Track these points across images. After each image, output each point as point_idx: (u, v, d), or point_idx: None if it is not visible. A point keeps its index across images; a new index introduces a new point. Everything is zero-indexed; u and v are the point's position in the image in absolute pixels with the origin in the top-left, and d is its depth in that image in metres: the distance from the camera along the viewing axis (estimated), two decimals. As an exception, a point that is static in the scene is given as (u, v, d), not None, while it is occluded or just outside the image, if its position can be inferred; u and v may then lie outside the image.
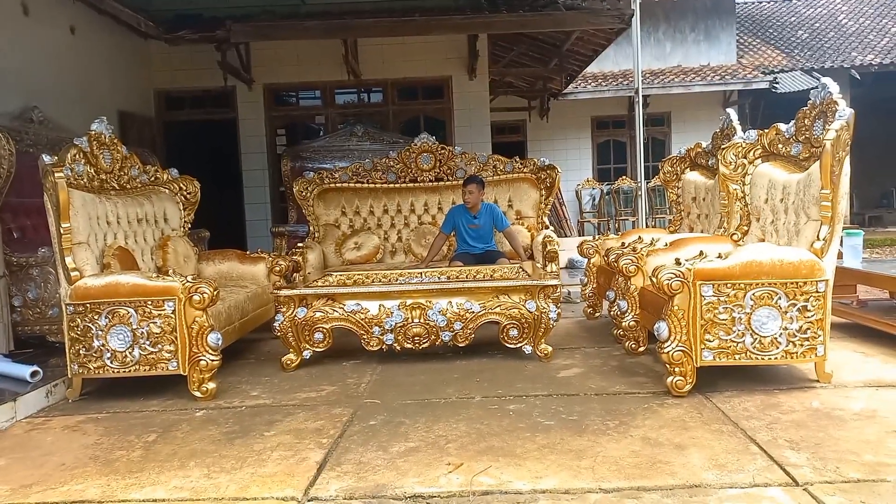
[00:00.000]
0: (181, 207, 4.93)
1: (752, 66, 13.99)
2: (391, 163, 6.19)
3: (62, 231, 3.51)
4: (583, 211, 13.67)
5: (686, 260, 3.20)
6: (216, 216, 7.34)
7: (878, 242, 12.10)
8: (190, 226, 5.02)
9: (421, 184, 6.18)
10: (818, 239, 3.17)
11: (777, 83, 12.82)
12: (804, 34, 15.68)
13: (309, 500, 2.27)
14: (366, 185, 6.19)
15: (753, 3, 16.89)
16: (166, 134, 8.67)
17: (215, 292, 3.48)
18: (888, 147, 16.44)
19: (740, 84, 13.27)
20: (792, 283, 3.08)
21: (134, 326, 3.43)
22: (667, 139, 14.33)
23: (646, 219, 11.06)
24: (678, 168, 5.35)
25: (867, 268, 4.52)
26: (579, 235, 11.70)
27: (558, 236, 8.66)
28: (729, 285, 3.09)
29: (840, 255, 4.47)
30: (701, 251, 3.31)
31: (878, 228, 15.14)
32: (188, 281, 3.47)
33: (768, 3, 17.17)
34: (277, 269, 4.95)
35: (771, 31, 16.12)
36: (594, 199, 13.80)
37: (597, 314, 5.16)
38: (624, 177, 13.70)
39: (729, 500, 2.14)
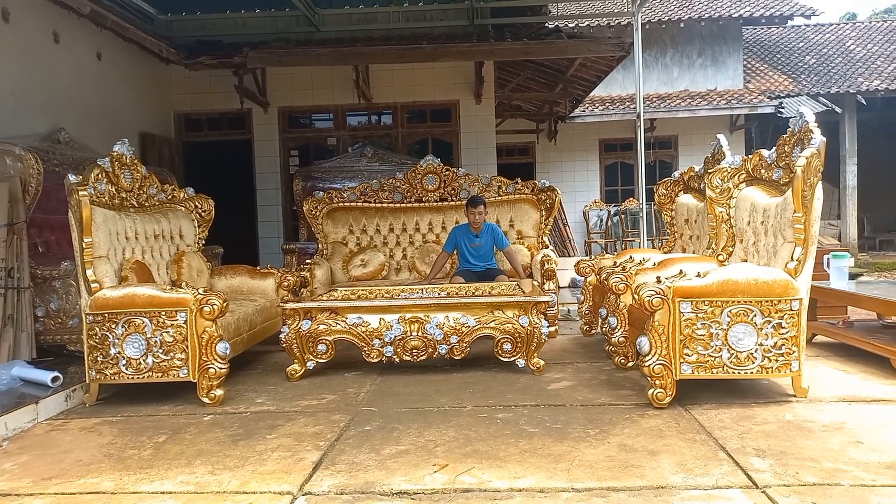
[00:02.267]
0: (196, 224, 5.20)
1: (758, 91, 14.17)
2: (397, 183, 6.43)
3: (84, 245, 3.77)
4: (590, 231, 13.85)
5: (666, 278, 3.38)
6: (231, 233, 7.62)
7: (888, 266, 12.14)
8: (204, 242, 5.29)
9: (426, 204, 6.42)
10: (792, 259, 3.33)
11: (782, 108, 12.98)
12: (812, 59, 15.85)
13: (303, 495, 2.46)
14: (373, 205, 6.43)
15: (761, 28, 17.10)
16: (185, 154, 9.02)
17: (224, 304, 3.71)
18: (898, 171, 16.47)
19: (746, 108, 13.45)
20: (767, 301, 3.25)
21: (148, 335, 3.66)
22: (674, 162, 14.50)
23: (651, 240, 11.22)
24: (672, 191, 5.54)
25: (854, 289, 4.65)
26: (586, 256, 11.87)
27: (562, 256, 8.87)
28: (706, 302, 3.26)
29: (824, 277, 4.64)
30: (681, 270, 3.49)
31: (889, 252, 15.15)
32: (199, 293, 3.71)
33: (776, 29, 17.37)
34: (286, 284, 5.19)
35: (779, 56, 16.32)
36: (601, 220, 13.98)
37: (592, 331, 5.32)
38: (631, 198, 13.87)
39: (691, 499, 2.30)
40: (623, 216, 13.67)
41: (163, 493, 2.52)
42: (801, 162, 3.29)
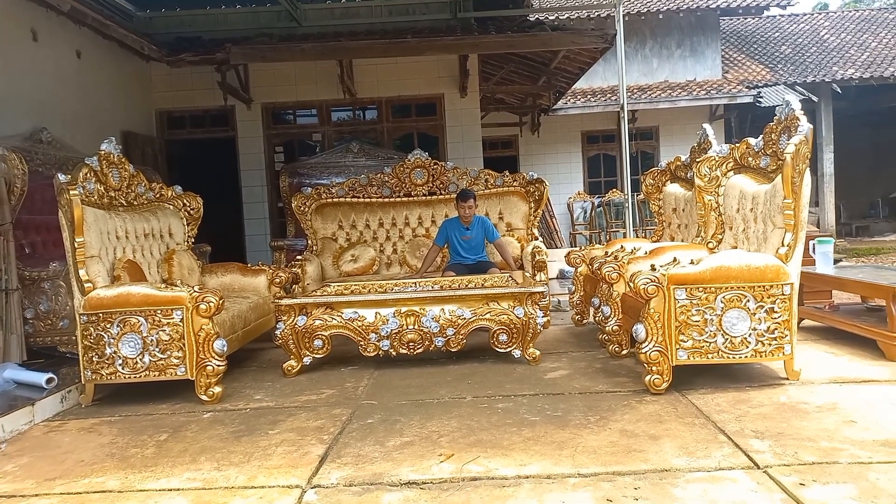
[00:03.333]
0: (185, 223, 5.16)
1: (737, 81, 14.35)
2: (386, 178, 6.43)
3: (76, 245, 3.72)
4: (574, 223, 13.95)
5: (661, 266, 3.43)
6: (216, 231, 7.56)
7: (864, 251, 12.40)
8: (194, 240, 5.24)
9: (415, 198, 6.42)
10: (783, 245, 3.41)
11: (761, 97, 13.17)
12: (787, 49, 16.09)
13: (312, 488, 2.47)
14: (362, 200, 6.43)
15: (738, 19, 17.31)
16: (168, 152, 8.91)
17: (221, 301, 3.70)
18: (874, 159, 16.86)
19: (725, 98, 13.62)
20: (759, 287, 3.32)
21: (144, 334, 3.64)
22: (655, 152, 14.65)
23: (635, 230, 11.34)
24: (659, 181, 5.61)
25: (840, 273, 4.75)
26: (571, 247, 11.97)
27: (549, 248, 8.93)
28: (701, 289, 3.32)
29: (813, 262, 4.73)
30: (675, 258, 3.54)
31: (866, 238, 15.46)
32: (195, 291, 3.69)
33: (752, 19, 17.59)
34: (277, 280, 5.17)
35: (755, 46, 16.53)
36: (585, 212, 14.08)
37: (584, 321, 5.38)
38: (614, 189, 13.98)
39: (695, 481, 2.35)
40: (606, 207, 13.78)
41: (170, 490, 2.51)
42: (790, 149, 3.36)
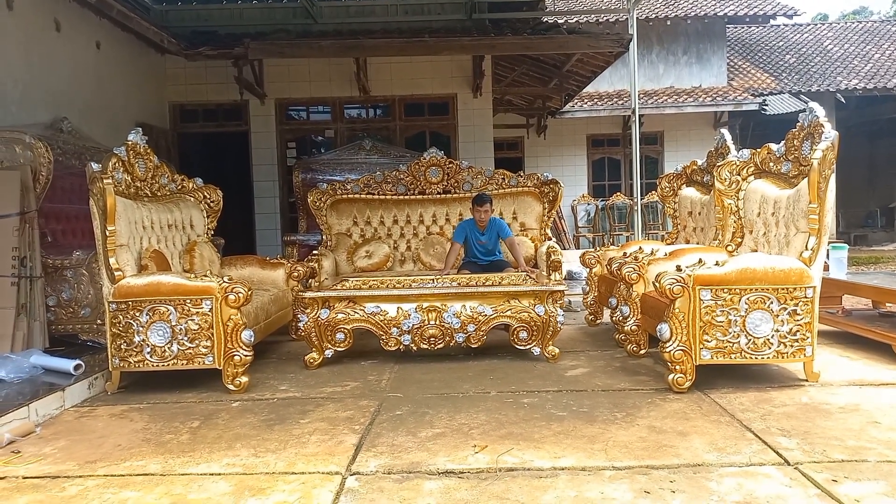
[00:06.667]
0: (205, 215, 5.20)
1: (742, 89, 14.46)
2: (401, 175, 6.48)
3: (108, 234, 3.75)
4: (578, 225, 14.02)
5: (686, 267, 3.49)
6: (226, 225, 7.57)
7: (864, 260, 12.50)
8: (213, 232, 5.28)
9: (429, 196, 6.47)
10: (806, 249, 3.47)
11: (766, 105, 13.27)
12: (791, 58, 16.21)
13: (352, 475, 2.52)
14: (377, 197, 6.47)
15: (743, 27, 17.43)
16: (180, 145, 8.94)
17: (249, 292, 3.74)
18: (872, 169, 17.00)
19: (731, 105, 13.71)
20: (783, 289, 3.38)
21: (173, 323, 3.67)
22: (660, 157, 14.74)
23: (640, 233, 11.41)
24: (675, 184, 5.67)
25: (854, 279, 4.82)
26: (576, 249, 12.04)
27: (557, 249, 8.96)
28: (726, 290, 3.38)
29: (826, 268, 4.80)
30: (700, 259, 3.60)
31: (864, 247, 15.57)
32: (224, 281, 3.73)
33: (757, 28, 17.71)
34: (296, 274, 5.22)
35: (760, 54, 16.65)
36: (589, 214, 14.16)
37: (598, 321, 5.44)
38: (618, 193, 14.07)
39: (729, 476, 2.41)
40: (610, 210, 13.87)
41: (212, 474, 2.55)
42: (818, 155, 3.42)
